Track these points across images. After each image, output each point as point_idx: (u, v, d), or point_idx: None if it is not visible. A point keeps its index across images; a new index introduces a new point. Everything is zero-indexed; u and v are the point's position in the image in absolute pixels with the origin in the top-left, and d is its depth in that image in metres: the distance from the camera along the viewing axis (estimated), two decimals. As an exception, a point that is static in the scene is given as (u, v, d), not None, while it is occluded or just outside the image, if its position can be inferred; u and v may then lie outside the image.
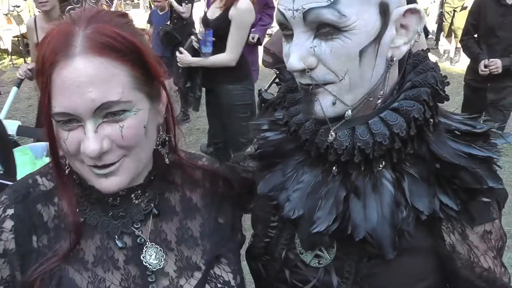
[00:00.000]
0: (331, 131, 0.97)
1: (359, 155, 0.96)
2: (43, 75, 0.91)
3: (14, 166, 2.42)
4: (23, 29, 8.69)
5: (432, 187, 0.98)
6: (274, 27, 6.53)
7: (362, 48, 0.92)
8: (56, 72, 0.89)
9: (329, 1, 0.88)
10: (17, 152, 2.71)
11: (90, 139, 0.91)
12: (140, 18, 8.87)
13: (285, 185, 1.08)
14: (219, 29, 4.28)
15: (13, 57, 10.22)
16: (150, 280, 1.05)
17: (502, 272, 1.00)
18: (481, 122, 1.04)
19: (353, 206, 0.99)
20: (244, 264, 1.22)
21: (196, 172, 1.20)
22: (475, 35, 4.97)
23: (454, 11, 9.60)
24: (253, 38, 5.33)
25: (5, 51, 10.41)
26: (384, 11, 0.92)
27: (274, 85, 7.55)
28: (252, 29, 5.34)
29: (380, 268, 1.00)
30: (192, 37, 4.38)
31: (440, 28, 10.57)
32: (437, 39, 10.94)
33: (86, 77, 0.88)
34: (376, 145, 0.95)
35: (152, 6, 8.52)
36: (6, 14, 10.59)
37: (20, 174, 2.46)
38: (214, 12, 4.38)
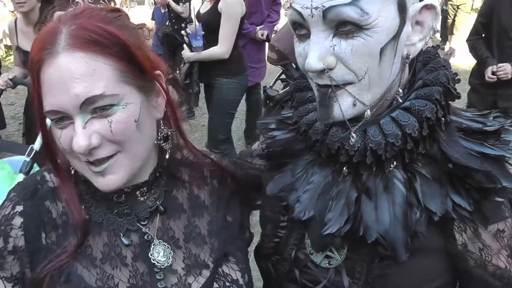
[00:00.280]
0: (352, 133, 0.96)
1: (371, 156, 0.95)
2: (32, 74, 0.93)
3: None
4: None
5: (445, 187, 0.96)
6: (280, 24, 6.50)
7: (382, 46, 0.90)
8: (42, 70, 0.91)
9: None
10: (-6, 167, 2.68)
11: (79, 135, 0.91)
12: (145, 15, 8.87)
13: (294, 186, 1.07)
14: (210, 22, 4.31)
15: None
16: (158, 277, 1.05)
17: None
18: (492, 118, 1.02)
19: (365, 207, 0.98)
20: (251, 260, 1.22)
21: (204, 169, 1.20)
22: (484, 36, 4.41)
23: (458, 8, 9.55)
24: (262, 35, 5.32)
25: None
26: (402, 8, 0.91)
27: (279, 81, 7.55)
28: (261, 26, 5.33)
29: (392, 268, 0.99)
30: (182, 32, 4.39)
31: (445, 26, 10.51)
32: (443, 37, 10.86)
33: (69, 73, 0.89)
34: (388, 146, 0.94)
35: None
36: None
37: (-2, 190, 2.50)
38: (205, 6, 4.42)
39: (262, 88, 6.20)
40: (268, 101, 6.85)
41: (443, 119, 0.96)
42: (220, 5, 4.20)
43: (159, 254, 1.07)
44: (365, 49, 0.89)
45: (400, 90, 0.99)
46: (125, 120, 0.94)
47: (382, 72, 0.93)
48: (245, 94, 5.97)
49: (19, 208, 1.03)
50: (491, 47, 4.26)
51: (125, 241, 1.05)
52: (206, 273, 1.09)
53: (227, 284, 1.10)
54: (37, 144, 2.85)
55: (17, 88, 4.41)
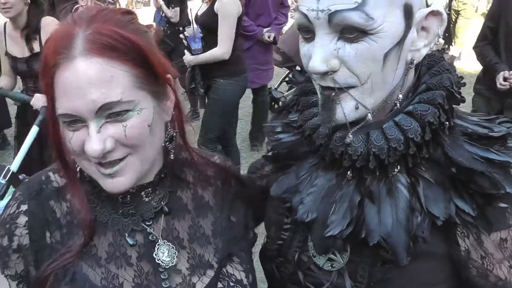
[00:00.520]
0: (349, 134, 0.96)
1: (374, 161, 0.95)
2: (45, 77, 0.92)
3: None
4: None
5: (448, 191, 0.96)
6: (286, 26, 6.51)
7: (386, 51, 0.90)
8: (57, 74, 0.90)
9: (356, 3, 0.86)
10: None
11: (93, 139, 0.91)
12: (150, 16, 8.88)
13: (298, 188, 1.08)
14: (207, 23, 4.31)
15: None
16: (163, 277, 1.05)
17: None
18: (498, 123, 1.01)
19: (368, 211, 0.98)
20: (255, 261, 1.22)
21: (208, 170, 1.20)
22: (491, 40, 4.11)
23: (458, 13, 9.50)
24: (269, 37, 5.32)
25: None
26: (409, 14, 0.91)
27: (284, 83, 7.56)
28: (268, 28, 5.33)
29: (394, 273, 0.99)
30: (181, 35, 4.39)
31: (449, 30, 10.46)
32: (446, 41, 10.81)
33: (86, 78, 0.89)
34: (391, 151, 0.94)
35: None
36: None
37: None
38: (203, 8, 4.43)
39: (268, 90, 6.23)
40: (273, 103, 6.88)
41: (446, 123, 0.96)
42: (216, 6, 4.21)
43: (164, 254, 1.07)
44: (369, 54, 0.90)
45: (400, 96, 0.99)
46: (139, 125, 0.95)
47: (385, 77, 0.93)
48: (252, 96, 5.99)
49: (24, 207, 1.04)
50: (499, 52, 4.01)
51: (130, 241, 1.06)
52: (210, 273, 1.10)
53: (231, 284, 1.10)
54: (14, 165, 2.84)
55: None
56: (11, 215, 1.03)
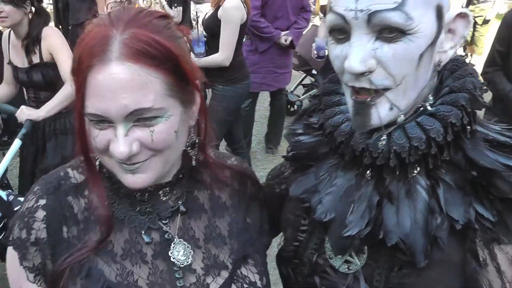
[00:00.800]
0: (384, 135, 0.96)
1: (395, 159, 0.95)
2: (78, 75, 0.93)
3: None
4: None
5: (468, 196, 0.95)
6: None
7: (422, 52, 0.90)
8: (91, 75, 0.91)
9: (396, 3, 0.86)
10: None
11: (120, 142, 0.92)
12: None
13: (317, 188, 1.08)
14: (211, 28, 4.29)
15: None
16: (177, 276, 1.06)
17: None
18: None
19: (386, 211, 0.97)
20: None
21: (224, 172, 1.21)
22: (501, 66, 3.62)
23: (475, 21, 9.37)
24: (285, 41, 5.29)
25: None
26: (440, 15, 0.92)
27: (300, 86, 7.55)
28: (286, 32, 5.31)
29: (411, 278, 0.98)
30: (184, 38, 4.40)
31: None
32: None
33: (120, 83, 0.89)
34: (412, 150, 0.94)
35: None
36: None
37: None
38: (209, 11, 4.41)
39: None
40: (289, 106, 6.88)
41: (468, 127, 0.96)
42: (219, 12, 4.19)
43: (179, 253, 1.07)
44: (406, 54, 0.90)
45: (431, 97, 0.99)
46: (166, 131, 0.95)
47: (418, 77, 0.93)
48: (268, 98, 5.98)
49: (42, 201, 1.05)
50: (511, 78, 3.55)
51: (146, 239, 1.06)
52: (224, 274, 1.10)
53: (245, 286, 1.10)
54: None
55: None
56: (30, 208, 1.05)
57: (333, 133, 1.05)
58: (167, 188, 1.10)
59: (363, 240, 0.99)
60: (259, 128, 6.45)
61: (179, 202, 1.12)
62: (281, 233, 1.26)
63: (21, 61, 3.47)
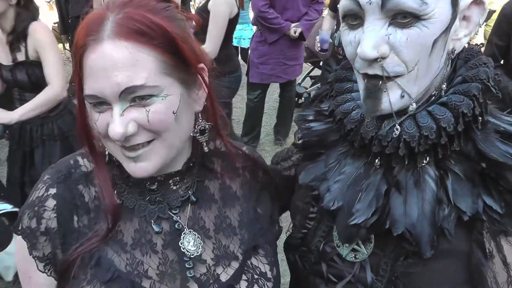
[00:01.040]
0: (396, 125, 0.95)
1: (404, 148, 0.94)
2: (75, 57, 0.94)
3: None
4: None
5: (477, 187, 0.95)
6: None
7: (436, 37, 0.89)
8: (86, 55, 0.92)
9: None
10: None
11: (116, 122, 0.92)
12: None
13: (326, 176, 1.08)
14: (202, 19, 4.28)
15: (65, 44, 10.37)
16: (187, 266, 1.06)
17: None
18: None
19: (394, 201, 0.97)
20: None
21: (237, 161, 1.20)
22: (502, 62, 3.38)
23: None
24: (295, 32, 5.22)
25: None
26: (456, 1, 0.90)
27: (307, 78, 7.52)
28: (296, 23, 5.25)
29: (417, 268, 0.98)
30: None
31: None
32: None
33: (112, 61, 0.89)
34: (422, 139, 0.93)
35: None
36: (48, 2, 10.76)
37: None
38: (201, 2, 4.39)
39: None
40: (296, 98, 6.86)
41: (480, 118, 0.95)
42: (209, 4, 4.17)
43: (189, 243, 1.07)
44: (420, 40, 0.89)
45: (444, 86, 0.98)
46: (163, 111, 0.95)
47: (430, 64, 0.92)
48: (278, 90, 5.94)
49: (53, 190, 1.05)
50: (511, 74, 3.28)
51: (156, 228, 1.06)
52: (235, 264, 1.10)
53: (256, 276, 1.10)
54: None
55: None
56: (40, 197, 1.04)
57: (343, 120, 1.05)
58: (177, 177, 1.10)
59: (370, 229, 0.99)
60: (268, 119, 6.44)
61: (190, 191, 1.11)
62: (290, 221, 1.26)
63: (5, 57, 3.14)
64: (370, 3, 0.88)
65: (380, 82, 0.92)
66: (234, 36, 7.15)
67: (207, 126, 1.09)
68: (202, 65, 1.03)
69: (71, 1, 6.73)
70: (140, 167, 0.98)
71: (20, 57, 3.08)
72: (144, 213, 1.07)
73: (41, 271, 1.05)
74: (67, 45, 8.48)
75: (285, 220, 1.29)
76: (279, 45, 5.31)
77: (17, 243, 1.07)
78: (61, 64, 3.10)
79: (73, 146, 2.98)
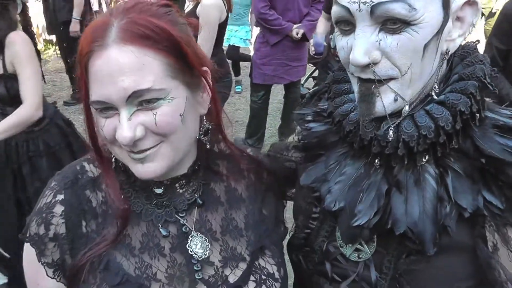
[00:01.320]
0: (391, 128, 0.96)
1: (403, 148, 0.95)
2: (80, 64, 0.95)
3: None
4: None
5: (477, 183, 0.96)
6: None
7: (427, 41, 0.91)
8: (91, 61, 0.93)
9: None
10: None
11: (124, 127, 0.93)
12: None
13: (327, 177, 1.09)
14: None
15: (57, 47, 10.41)
16: (195, 268, 1.06)
17: None
18: None
19: (395, 200, 0.98)
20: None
21: (241, 163, 1.21)
22: (502, 66, 3.07)
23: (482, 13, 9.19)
24: (297, 34, 5.21)
25: (50, 41, 10.62)
26: (446, 3, 0.91)
27: (310, 79, 7.51)
28: (298, 25, 5.23)
29: (420, 265, 0.99)
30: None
31: None
32: None
33: (118, 66, 0.90)
34: (421, 138, 0.94)
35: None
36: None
37: None
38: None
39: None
40: (300, 99, 6.85)
41: (477, 114, 0.96)
42: (198, 9, 4.11)
43: (197, 246, 1.08)
44: (411, 45, 0.90)
45: (436, 86, 0.99)
46: (170, 113, 0.95)
47: (424, 67, 0.93)
48: (282, 91, 5.94)
49: (60, 196, 1.05)
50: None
51: (163, 232, 1.07)
52: (242, 265, 1.10)
53: (263, 277, 1.10)
54: None
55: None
56: (47, 204, 1.05)
57: (342, 122, 1.05)
58: (183, 181, 1.11)
59: (372, 229, 1.00)
60: (272, 121, 6.44)
61: (196, 194, 1.12)
62: (292, 221, 1.26)
63: None
64: (359, 10, 0.90)
65: (373, 86, 0.94)
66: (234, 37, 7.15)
67: (209, 126, 1.11)
68: (205, 68, 1.04)
69: (57, 6, 6.67)
70: (148, 167, 0.99)
71: None
72: (151, 217, 1.08)
73: (50, 277, 1.06)
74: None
75: (289, 221, 1.29)
76: (282, 46, 5.29)
77: (25, 251, 1.08)
78: (38, 80, 2.83)
79: (62, 161, 2.86)
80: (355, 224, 0.99)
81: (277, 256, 1.17)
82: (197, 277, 1.06)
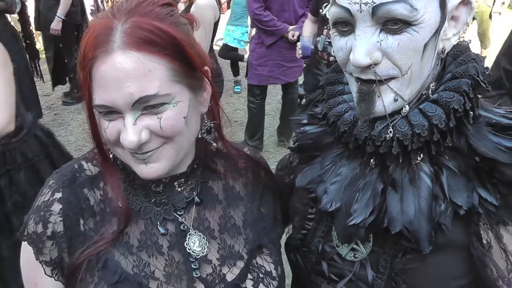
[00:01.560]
0: (390, 126, 0.96)
1: (397, 147, 0.96)
2: (83, 69, 0.94)
3: None
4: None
5: (471, 181, 0.96)
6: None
7: (426, 41, 0.91)
8: (95, 66, 0.92)
9: None
10: None
11: (129, 131, 0.93)
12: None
13: (323, 178, 1.09)
14: None
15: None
16: (193, 266, 1.07)
17: None
18: None
19: (390, 199, 0.99)
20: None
21: (239, 161, 1.21)
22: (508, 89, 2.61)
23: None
24: (293, 36, 5.19)
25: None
26: (443, 3, 0.92)
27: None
28: (294, 26, 5.22)
29: (415, 263, 0.99)
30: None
31: None
32: None
33: (124, 72, 0.90)
34: (415, 137, 0.95)
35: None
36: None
37: None
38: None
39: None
40: (299, 99, 6.85)
41: (471, 112, 0.96)
42: (192, 9, 4.05)
43: (195, 244, 1.08)
44: (411, 45, 0.90)
45: (432, 85, 0.99)
46: (174, 117, 0.96)
47: (423, 67, 0.94)
48: (280, 92, 5.93)
49: (58, 195, 1.06)
50: None
51: (161, 230, 1.07)
52: (240, 264, 1.11)
53: (261, 275, 1.11)
54: None
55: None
56: (46, 202, 1.05)
57: (336, 122, 1.06)
58: (182, 179, 1.11)
59: (368, 229, 1.00)
60: (271, 121, 6.44)
61: (194, 192, 1.13)
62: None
63: None
64: (360, 11, 0.90)
65: (374, 85, 0.94)
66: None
67: (212, 125, 1.11)
68: (206, 67, 1.04)
69: (44, 7, 6.54)
70: (152, 167, 0.99)
71: None
72: (150, 215, 1.08)
73: (48, 275, 1.06)
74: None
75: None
76: (277, 47, 5.26)
77: (22, 250, 1.08)
78: (9, 92, 2.57)
79: (41, 173, 2.66)
80: (351, 223, 1.00)
81: (275, 254, 1.18)
82: (195, 275, 1.06)
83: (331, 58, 4.23)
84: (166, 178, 1.09)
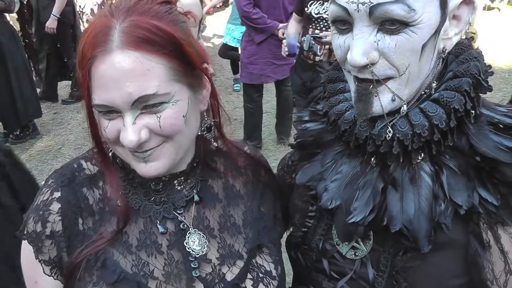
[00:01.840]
0: (389, 126, 0.96)
1: (398, 147, 0.95)
2: (82, 68, 0.94)
3: None
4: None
5: (472, 181, 0.96)
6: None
7: (425, 42, 0.91)
8: (94, 66, 0.92)
9: None
10: None
11: (129, 131, 0.93)
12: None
13: (323, 175, 1.09)
14: None
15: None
16: (193, 266, 1.07)
17: None
18: None
19: (390, 198, 0.98)
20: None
21: (239, 160, 1.21)
22: None
23: None
24: (283, 34, 5.12)
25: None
26: (444, 3, 0.92)
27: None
28: (283, 24, 5.16)
29: (416, 262, 0.99)
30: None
31: None
32: None
33: (123, 71, 0.90)
34: (415, 137, 0.94)
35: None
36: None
37: None
38: None
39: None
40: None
41: (472, 111, 0.96)
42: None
43: (194, 243, 1.08)
44: (409, 45, 0.90)
45: (434, 84, 0.99)
46: (174, 116, 0.96)
47: (421, 67, 0.94)
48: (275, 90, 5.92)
49: (57, 194, 1.06)
50: None
51: (161, 229, 1.07)
52: (240, 263, 1.11)
53: (261, 275, 1.11)
54: None
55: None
56: (44, 201, 1.05)
57: (337, 121, 1.06)
58: (182, 177, 1.11)
59: (368, 227, 1.00)
60: (270, 119, 6.42)
61: (194, 191, 1.12)
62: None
63: None
64: (358, 11, 0.90)
65: (371, 86, 0.94)
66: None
67: (212, 123, 1.11)
68: (205, 65, 1.04)
69: (40, 7, 6.47)
70: (152, 166, 0.99)
71: None
72: (149, 213, 1.08)
73: (47, 274, 1.06)
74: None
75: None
76: (268, 45, 5.19)
77: (23, 249, 1.08)
78: None
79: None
80: (351, 221, 1.00)
81: (275, 253, 1.18)
82: (194, 274, 1.06)
83: (317, 58, 4.20)
84: (166, 177, 1.09)
